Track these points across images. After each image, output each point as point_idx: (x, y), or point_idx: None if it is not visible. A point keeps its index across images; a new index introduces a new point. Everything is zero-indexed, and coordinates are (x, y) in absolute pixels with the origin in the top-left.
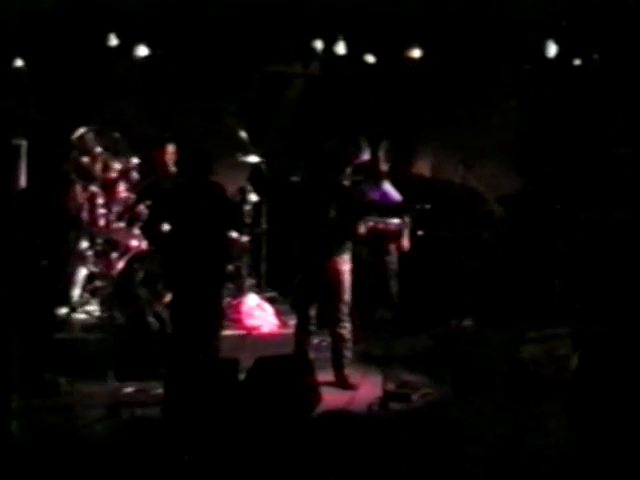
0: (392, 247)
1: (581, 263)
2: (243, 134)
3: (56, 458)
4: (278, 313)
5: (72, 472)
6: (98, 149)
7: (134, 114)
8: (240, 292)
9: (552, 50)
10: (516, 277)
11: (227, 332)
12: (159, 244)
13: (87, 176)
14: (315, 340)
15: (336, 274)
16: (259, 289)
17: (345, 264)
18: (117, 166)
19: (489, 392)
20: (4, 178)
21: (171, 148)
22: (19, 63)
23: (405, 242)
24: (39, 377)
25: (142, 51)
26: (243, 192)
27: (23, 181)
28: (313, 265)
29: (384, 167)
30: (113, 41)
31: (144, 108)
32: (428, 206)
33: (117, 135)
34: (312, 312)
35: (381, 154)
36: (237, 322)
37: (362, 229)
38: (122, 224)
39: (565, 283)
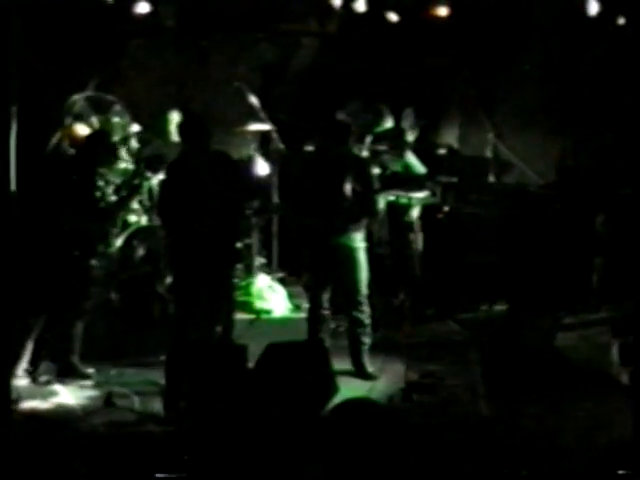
0: (416, 224)
1: (623, 242)
2: (253, 100)
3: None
4: (290, 295)
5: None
6: (93, 116)
7: (135, 79)
8: (249, 272)
9: (594, 9)
10: (552, 257)
11: (235, 315)
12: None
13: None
14: (331, 325)
15: (349, 252)
16: (270, 269)
17: (360, 241)
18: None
19: (521, 382)
20: None
21: (175, 115)
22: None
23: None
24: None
25: (143, 7)
26: (252, 162)
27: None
28: (324, 243)
29: (409, 137)
30: None
31: (146, 72)
32: (455, 179)
33: (115, 101)
34: (327, 294)
35: (404, 122)
36: (246, 305)
37: (379, 203)
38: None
39: (606, 264)
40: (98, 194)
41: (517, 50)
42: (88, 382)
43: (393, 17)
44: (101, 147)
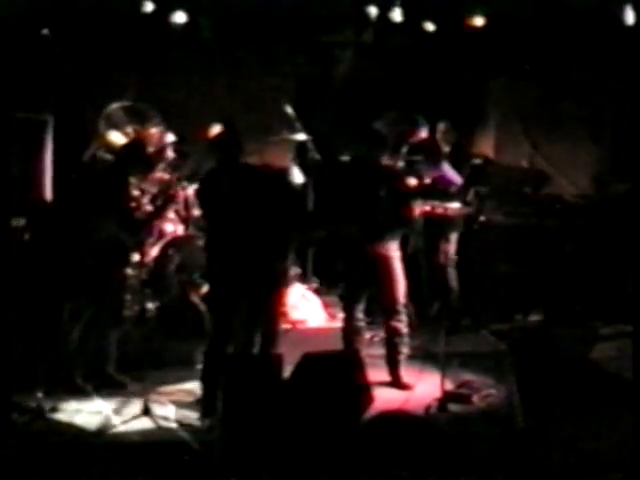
0: (452, 235)
1: None
2: (289, 110)
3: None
4: (325, 305)
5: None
6: (130, 126)
7: (172, 89)
8: (285, 282)
9: (630, 18)
10: (587, 267)
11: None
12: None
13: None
14: (367, 335)
15: (385, 261)
16: (305, 279)
17: (395, 250)
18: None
19: (557, 394)
20: (29, 155)
21: (215, 128)
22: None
23: None
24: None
25: (180, 17)
26: (287, 172)
27: (49, 159)
28: (360, 252)
29: (444, 147)
30: (148, 7)
31: (183, 82)
32: (491, 190)
33: (151, 111)
34: (362, 305)
35: (439, 132)
36: (281, 315)
37: (415, 213)
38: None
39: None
40: (133, 204)
41: (553, 59)
42: (124, 391)
43: (430, 27)
44: (135, 157)
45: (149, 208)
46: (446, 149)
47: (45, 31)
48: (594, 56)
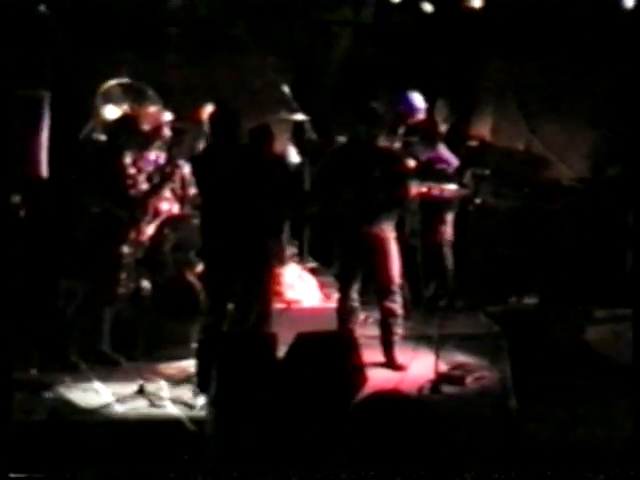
0: (448, 216)
1: None
2: (286, 89)
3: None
4: (321, 285)
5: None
6: (126, 103)
7: (169, 67)
8: (280, 262)
9: (630, 1)
10: (583, 250)
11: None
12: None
13: None
14: (361, 315)
15: (381, 241)
16: (300, 258)
17: (390, 231)
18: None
19: (551, 377)
20: (25, 132)
21: (209, 107)
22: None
23: None
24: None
25: None
26: (284, 153)
27: (45, 136)
28: (355, 232)
29: (441, 128)
30: None
31: (180, 60)
32: (488, 172)
33: (149, 89)
34: (357, 285)
35: (437, 114)
36: (276, 295)
37: (410, 194)
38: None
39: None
40: (130, 181)
41: (551, 42)
42: (118, 369)
43: (428, 7)
44: (128, 131)
45: (145, 186)
46: (443, 129)
47: (42, 8)
48: (593, 39)
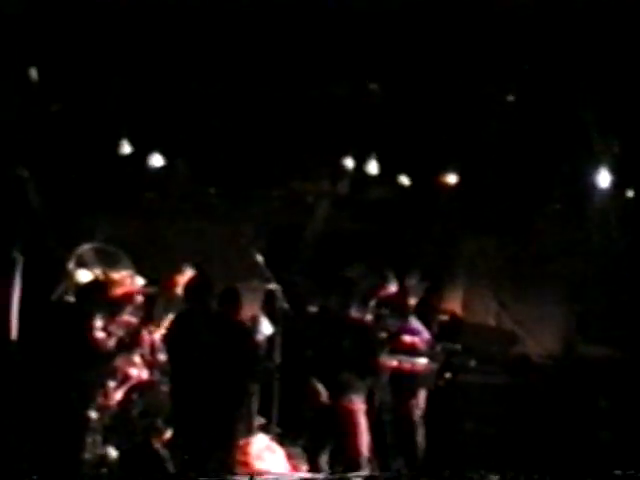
0: (420, 390)
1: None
2: (259, 258)
3: None
4: (289, 456)
5: None
6: (98, 267)
7: (144, 231)
8: (249, 432)
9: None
10: (555, 430)
11: (233, 476)
12: None
13: None
14: None
15: (349, 413)
16: (269, 428)
17: (359, 403)
18: (119, 287)
19: None
20: None
21: (189, 273)
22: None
23: None
24: None
25: (157, 160)
26: (255, 322)
27: (17, 295)
28: (324, 404)
29: (411, 301)
30: (126, 149)
31: (156, 225)
32: (458, 347)
33: (122, 253)
34: (326, 457)
35: (409, 286)
36: (244, 465)
37: (381, 366)
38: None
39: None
40: (98, 345)
41: (521, 222)
42: None
43: (405, 180)
44: (96, 296)
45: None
46: (412, 302)
47: (21, 170)
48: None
